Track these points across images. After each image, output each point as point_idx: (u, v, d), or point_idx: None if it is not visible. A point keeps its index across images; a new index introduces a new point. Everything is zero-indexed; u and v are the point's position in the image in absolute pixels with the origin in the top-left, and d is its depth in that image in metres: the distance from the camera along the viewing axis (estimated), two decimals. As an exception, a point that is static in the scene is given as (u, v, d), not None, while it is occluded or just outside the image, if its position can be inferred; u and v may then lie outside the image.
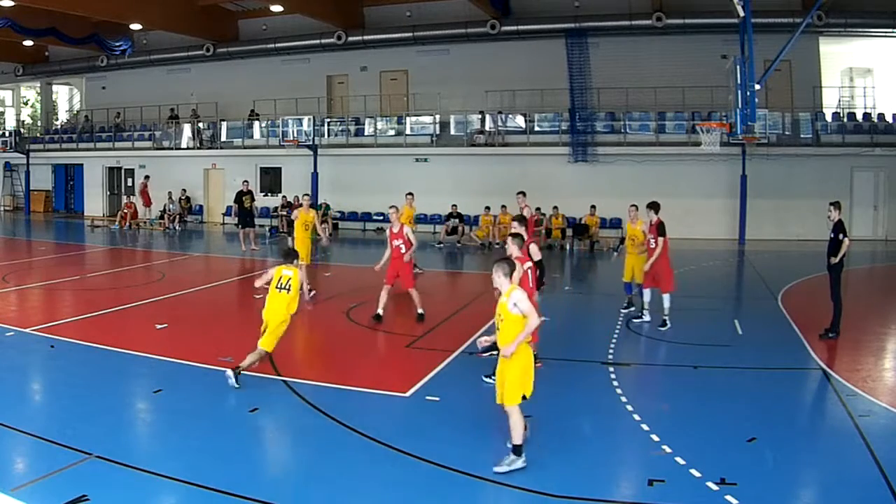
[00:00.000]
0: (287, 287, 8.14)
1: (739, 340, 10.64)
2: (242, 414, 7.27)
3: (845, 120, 24.93)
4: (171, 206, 29.10)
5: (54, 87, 41.04)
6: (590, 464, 6.29)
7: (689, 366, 9.16)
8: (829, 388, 8.26)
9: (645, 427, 6.91)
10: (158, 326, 10.98)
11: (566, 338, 10.93)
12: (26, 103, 44.18)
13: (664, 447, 6.40)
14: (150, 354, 9.21)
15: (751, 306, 13.89)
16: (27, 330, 10.50)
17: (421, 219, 22.17)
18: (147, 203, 29.75)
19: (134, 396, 8.03)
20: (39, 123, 41.09)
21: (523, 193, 14.34)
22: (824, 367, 8.99)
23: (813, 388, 8.58)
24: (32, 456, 6.22)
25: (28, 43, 32.80)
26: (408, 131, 28.66)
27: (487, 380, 8.02)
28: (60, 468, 5.80)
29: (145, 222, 29.30)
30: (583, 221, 23.11)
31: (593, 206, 23.00)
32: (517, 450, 5.97)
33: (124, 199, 31.24)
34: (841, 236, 10.25)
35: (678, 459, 6.13)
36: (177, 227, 28.19)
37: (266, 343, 8.17)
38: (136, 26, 30.21)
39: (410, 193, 16.83)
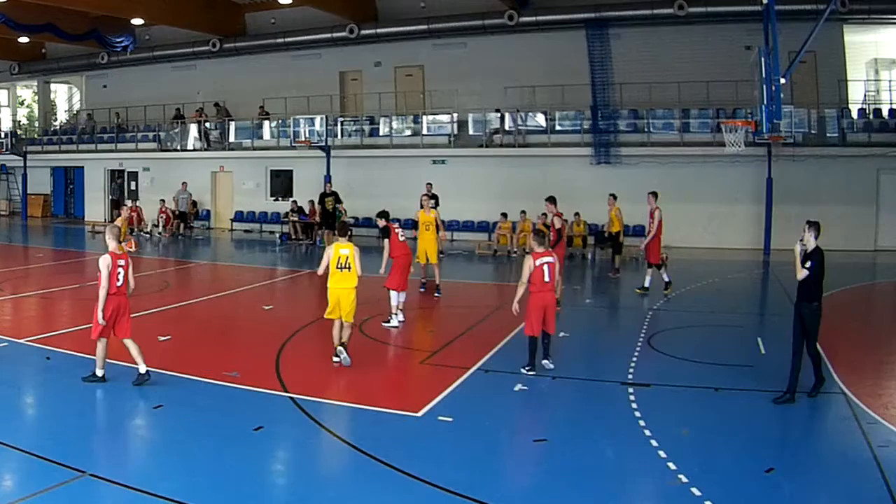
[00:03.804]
0: (347, 266, 9.50)
1: (762, 361, 10.51)
2: (246, 433, 7.32)
3: (871, 117, 24.28)
4: (182, 196, 29.22)
5: (52, 86, 41.45)
6: (603, 492, 6.29)
7: (710, 387, 9.10)
8: (850, 415, 8.16)
9: (662, 454, 6.89)
10: (161, 338, 11.04)
11: (586, 355, 11.01)
12: (22, 103, 44.64)
13: (680, 476, 6.38)
14: (152, 368, 9.25)
15: (775, 323, 13.60)
16: (22, 341, 10.65)
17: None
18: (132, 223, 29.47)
19: (133, 412, 8.13)
20: (37, 124, 41.33)
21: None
22: (846, 391, 8.87)
23: (833, 414, 8.48)
24: (23, 473, 6.29)
25: (24, 40, 33.14)
26: (424, 131, 28.70)
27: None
28: (52, 486, 5.88)
29: (153, 227, 29.38)
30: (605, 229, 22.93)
31: (617, 212, 22.79)
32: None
33: (128, 203, 31.40)
34: (808, 264, 8.38)
35: (694, 490, 6.11)
36: (181, 233, 28.39)
37: (349, 317, 9.60)
38: (137, 21, 30.24)
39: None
